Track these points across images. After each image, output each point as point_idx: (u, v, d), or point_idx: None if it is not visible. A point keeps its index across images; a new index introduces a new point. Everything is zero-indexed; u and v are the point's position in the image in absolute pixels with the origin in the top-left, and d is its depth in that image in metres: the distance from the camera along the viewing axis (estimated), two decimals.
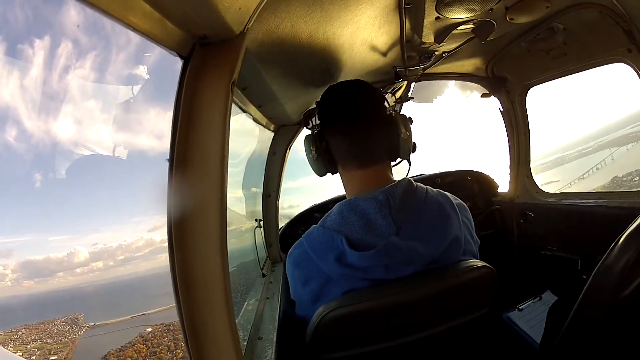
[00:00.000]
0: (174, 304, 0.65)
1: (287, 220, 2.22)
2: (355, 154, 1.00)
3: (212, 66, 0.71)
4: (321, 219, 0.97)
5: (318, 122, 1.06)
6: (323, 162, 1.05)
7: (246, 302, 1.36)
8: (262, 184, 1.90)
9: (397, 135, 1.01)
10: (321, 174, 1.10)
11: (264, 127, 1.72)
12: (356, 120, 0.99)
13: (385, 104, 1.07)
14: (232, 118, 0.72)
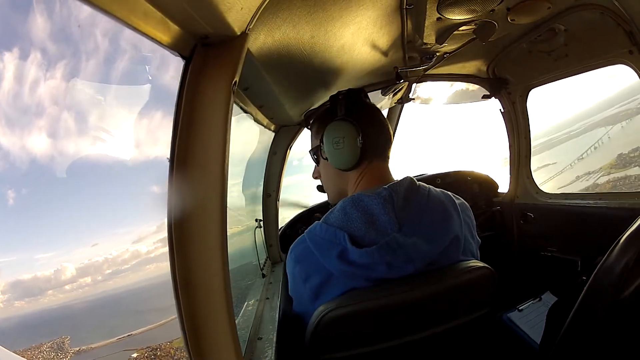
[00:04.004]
0: (174, 306, 0.65)
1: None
2: (383, 145, 1.06)
3: (213, 66, 0.71)
4: (324, 216, 0.96)
5: (343, 112, 1.02)
6: (353, 152, 1.00)
7: (246, 303, 1.37)
8: (262, 184, 1.90)
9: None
10: (348, 164, 1.02)
11: (265, 127, 1.71)
12: (382, 116, 1.08)
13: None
14: (232, 118, 0.72)
